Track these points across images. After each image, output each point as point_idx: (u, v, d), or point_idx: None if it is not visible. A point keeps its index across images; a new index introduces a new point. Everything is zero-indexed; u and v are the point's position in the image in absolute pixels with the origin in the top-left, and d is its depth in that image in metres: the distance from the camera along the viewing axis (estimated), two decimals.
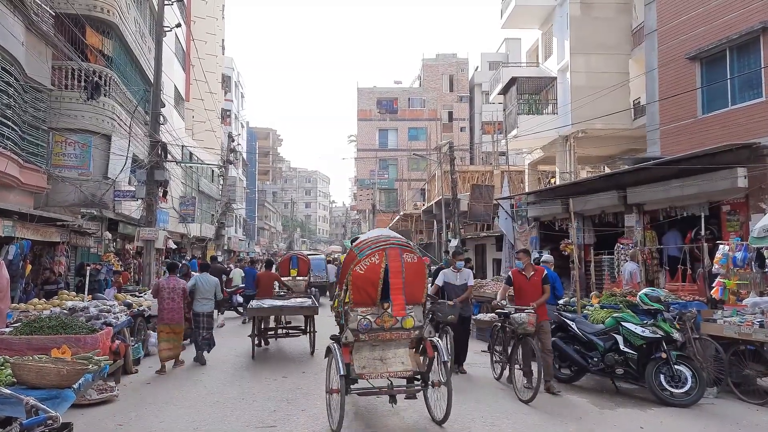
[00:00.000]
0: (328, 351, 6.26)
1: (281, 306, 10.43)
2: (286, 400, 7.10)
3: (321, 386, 7.77)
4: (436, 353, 5.91)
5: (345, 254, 7.60)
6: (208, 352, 9.80)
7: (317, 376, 8.55)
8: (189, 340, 10.39)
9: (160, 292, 9.19)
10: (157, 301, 9.25)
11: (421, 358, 6.11)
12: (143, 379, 8.35)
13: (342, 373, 5.60)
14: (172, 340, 9.12)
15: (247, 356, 10.23)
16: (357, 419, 6.26)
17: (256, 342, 10.49)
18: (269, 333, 11.15)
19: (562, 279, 12.26)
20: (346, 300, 6.10)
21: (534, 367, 7.22)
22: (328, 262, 24.93)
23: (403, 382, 6.15)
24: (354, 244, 6.44)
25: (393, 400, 6.18)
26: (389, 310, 5.94)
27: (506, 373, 7.93)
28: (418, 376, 6.05)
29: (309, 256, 20.00)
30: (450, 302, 8.28)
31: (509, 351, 7.75)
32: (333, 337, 6.28)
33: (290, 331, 11.38)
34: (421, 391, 6.11)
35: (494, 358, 8.50)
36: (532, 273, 7.81)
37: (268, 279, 11.70)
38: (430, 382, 5.95)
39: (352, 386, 5.77)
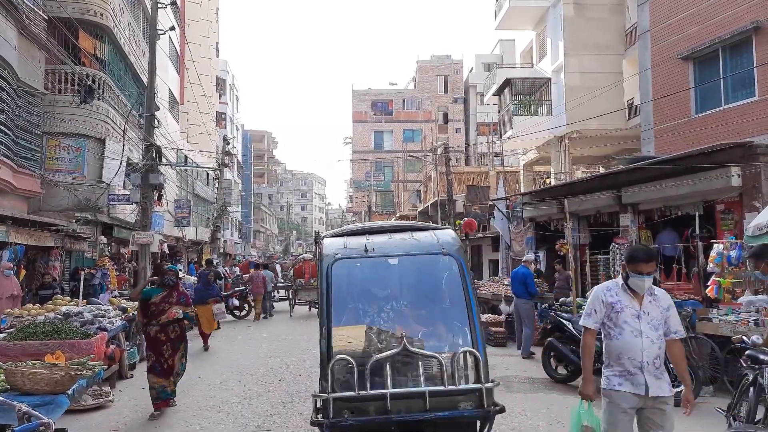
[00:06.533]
0: (289, 293, 19.61)
1: None
2: (282, 403, 7.08)
3: (317, 389, 7.77)
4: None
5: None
6: (268, 311, 18.18)
7: (313, 379, 8.52)
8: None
9: (252, 277, 17.99)
10: (252, 281, 17.88)
11: None
12: (139, 384, 8.30)
13: (292, 298, 18.96)
14: (258, 303, 17.47)
15: (244, 361, 10.26)
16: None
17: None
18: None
19: (547, 278, 13.18)
20: (293, 276, 19.25)
21: None
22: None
23: (314, 303, 17.48)
24: (296, 258, 24.33)
25: (310, 308, 18.87)
26: (305, 278, 18.36)
27: None
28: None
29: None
30: None
31: None
32: (286, 289, 20.43)
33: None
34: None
35: None
36: None
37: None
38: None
39: (296, 303, 18.74)
